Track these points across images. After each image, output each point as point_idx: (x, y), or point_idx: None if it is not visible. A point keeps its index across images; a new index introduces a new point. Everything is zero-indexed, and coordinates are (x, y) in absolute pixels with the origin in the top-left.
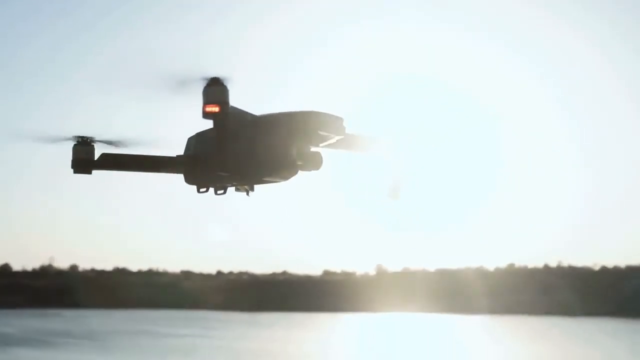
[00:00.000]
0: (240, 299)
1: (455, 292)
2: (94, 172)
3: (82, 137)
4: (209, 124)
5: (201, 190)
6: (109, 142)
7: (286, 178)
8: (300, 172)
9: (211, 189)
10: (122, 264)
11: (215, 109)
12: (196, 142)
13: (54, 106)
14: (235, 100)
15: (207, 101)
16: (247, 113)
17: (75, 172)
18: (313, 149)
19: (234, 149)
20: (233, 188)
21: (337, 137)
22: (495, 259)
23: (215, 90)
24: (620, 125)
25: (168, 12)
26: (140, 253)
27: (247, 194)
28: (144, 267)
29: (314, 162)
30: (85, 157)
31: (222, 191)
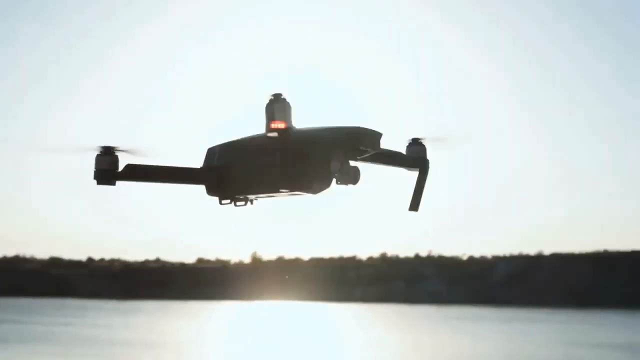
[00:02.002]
0: (111, 286)
1: (329, 281)
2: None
3: (106, 147)
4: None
5: (223, 202)
6: (132, 152)
7: (318, 192)
8: (337, 186)
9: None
10: None
11: (282, 125)
12: (222, 153)
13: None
14: None
15: (272, 117)
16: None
17: (98, 183)
18: (352, 163)
19: (282, 164)
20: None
21: (373, 152)
22: (367, 249)
23: (279, 106)
24: (492, 120)
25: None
26: (6, 238)
27: (252, 203)
28: (10, 254)
29: (352, 177)
30: (109, 168)
31: (243, 203)
